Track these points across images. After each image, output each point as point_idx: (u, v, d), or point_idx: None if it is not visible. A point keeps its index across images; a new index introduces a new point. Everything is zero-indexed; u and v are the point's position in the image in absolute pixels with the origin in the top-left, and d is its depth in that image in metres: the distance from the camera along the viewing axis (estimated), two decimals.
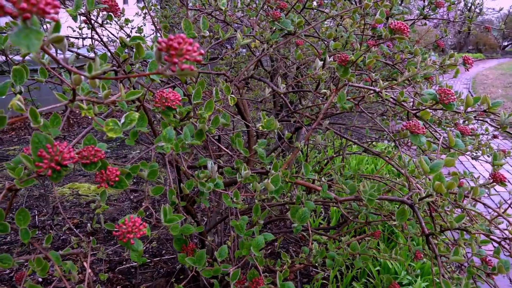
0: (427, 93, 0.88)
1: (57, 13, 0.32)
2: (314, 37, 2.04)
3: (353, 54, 1.65)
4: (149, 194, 0.77)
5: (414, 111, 1.02)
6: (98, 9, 0.93)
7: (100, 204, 0.81)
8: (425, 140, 0.82)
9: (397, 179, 2.46)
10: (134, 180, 4.02)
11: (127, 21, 2.12)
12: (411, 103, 1.72)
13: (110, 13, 0.96)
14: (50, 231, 3.04)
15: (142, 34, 2.46)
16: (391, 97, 1.04)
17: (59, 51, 0.62)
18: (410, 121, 0.82)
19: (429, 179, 0.85)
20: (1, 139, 5.92)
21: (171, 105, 0.72)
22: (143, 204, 0.82)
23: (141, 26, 2.77)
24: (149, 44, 1.07)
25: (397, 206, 1.95)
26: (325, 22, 2.59)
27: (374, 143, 3.70)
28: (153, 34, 2.78)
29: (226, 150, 1.05)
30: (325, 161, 2.34)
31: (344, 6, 2.27)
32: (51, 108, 0.51)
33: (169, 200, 0.84)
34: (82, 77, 0.49)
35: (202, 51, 0.38)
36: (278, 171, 0.96)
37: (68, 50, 2.00)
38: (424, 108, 0.96)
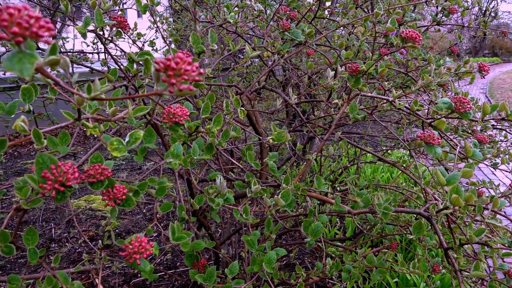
0: (441, 102, 0.85)
1: (52, 36, 0.31)
2: (325, 46, 2.03)
3: (364, 63, 1.63)
4: (157, 212, 0.76)
5: (428, 120, 0.99)
6: (108, 26, 0.93)
7: (111, 221, 0.80)
8: (441, 151, 0.79)
9: (414, 188, 2.41)
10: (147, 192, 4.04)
11: (139, 35, 2.14)
12: (426, 111, 1.69)
13: (119, 29, 0.96)
14: (66, 244, 3.06)
15: (155, 47, 2.48)
16: (405, 106, 1.02)
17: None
18: (425, 132, 0.80)
19: (446, 192, 0.82)
20: (19, 153, 6.03)
21: (178, 120, 0.71)
22: (156, 217, 0.81)
23: (154, 39, 2.80)
24: (161, 57, 1.07)
25: (414, 216, 1.90)
26: (337, 31, 2.57)
27: (389, 151, 3.64)
28: (166, 47, 2.81)
29: (236, 163, 1.04)
30: (340, 170, 2.31)
31: (356, 15, 2.25)
32: (57, 127, 0.51)
33: (179, 216, 0.83)
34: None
35: (202, 71, 0.37)
36: (290, 184, 0.94)
37: (82, 64, 2.02)
38: (439, 117, 0.93)
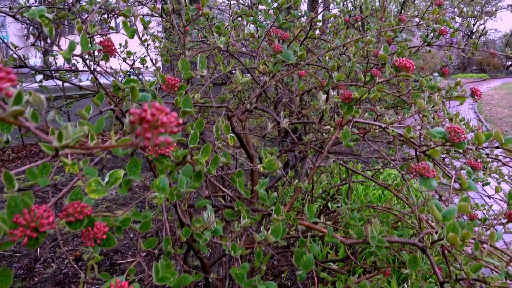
0: (435, 132, 0.83)
1: (14, 86, 0.28)
2: (317, 65, 2.02)
3: (356, 84, 1.62)
4: (141, 248, 0.72)
5: (423, 149, 0.97)
6: (94, 51, 0.90)
7: (94, 255, 0.76)
8: (436, 183, 0.76)
9: (406, 208, 2.38)
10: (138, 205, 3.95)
11: (129, 53, 2.11)
12: (418, 133, 1.67)
13: (106, 53, 0.93)
14: (52, 264, 2.97)
15: (145, 66, 2.45)
16: (398, 133, 1.00)
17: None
18: (420, 164, 0.77)
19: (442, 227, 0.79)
20: (6, 168, 5.92)
21: (164, 152, 0.68)
22: (140, 254, 0.77)
23: (145, 56, 2.78)
24: (150, 79, 1.04)
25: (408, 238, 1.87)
26: (328, 46, 2.57)
27: (381, 169, 3.62)
28: (157, 63, 2.78)
29: (226, 191, 1.00)
30: (332, 190, 2.29)
31: (347, 34, 2.26)
32: (32, 166, 0.47)
33: (165, 250, 0.79)
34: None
35: (180, 121, 0.35)
36: (281, 214, 0.91)
37: (70, 83, 1.98)
38: (433, 146, 0.91)
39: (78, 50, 0.90)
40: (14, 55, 2.02)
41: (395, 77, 0.83)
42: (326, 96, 1.22)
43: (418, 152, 1.17)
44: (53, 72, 2.17)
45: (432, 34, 1.87)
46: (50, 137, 0.37)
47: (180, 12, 1.29)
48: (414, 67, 0.81)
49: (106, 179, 0.49)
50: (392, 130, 0.96)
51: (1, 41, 2.27)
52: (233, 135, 0.98)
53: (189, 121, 1.19)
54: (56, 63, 2.89)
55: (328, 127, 1.08)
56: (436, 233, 1.07)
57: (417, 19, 1.78)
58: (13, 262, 3.00)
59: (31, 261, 3.02)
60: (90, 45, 0.84)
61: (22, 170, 0.64)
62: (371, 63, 2.10)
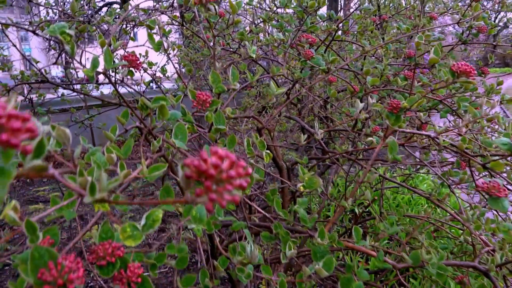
0: (500, 143, 0.74)
1: (34, 137, 0.21)
2: (349, 70, 1.93)
3: (392, 88, 1.52)
4: (178, 286, 0.65)
5: (478, 160, 0.88)
6: (118, 67, 0.84)
7: None
8: (508, 204, 0.67)
9: (445, 217, 2.26)
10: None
11: (150, 64, 2.07)
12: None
13: (131, 69, 0.87)
14: None
15: (166, 75, 2.41)
16: (451, 144, 0.90)
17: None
18: (489, 182, 0.68)
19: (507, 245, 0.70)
20: (32, 180, 5.98)
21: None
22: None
23: (165, 65, 2.74)
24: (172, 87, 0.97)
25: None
26: (355, 52, 2.47)
27: (412, 174, 3.48)
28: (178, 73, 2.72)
29: (262, 211, 0.93)
30: (366, 201, 2.18)
31: (376, 35, 2.16)
32: (56, 208, 0.41)
33: (202, 284, 0.72)
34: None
35: (250, 170, 0.27)
36: (325, 238, 0.82)
37: (91, 96, 1.94)
38: (494, 158, 0.81)
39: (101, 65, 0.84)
40: (36, 69, 1.99)
41: (453, 83, 0.74)
42: (363, 104, 1.13)
43: (467, 162, 1.07)
44: (74, 85, 2.14)
45: (468, 31, 1.75)
46: (80, 189, 0.30)
47: (202, 21, 1.23)
48: (475, 72, 0.72)
49: (143, 221, 0.42)
50: (444, 141, 0.87)
51: (23, 56, 2.25)
52: (268, 151, 0.90)
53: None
54: (77, 75, 2.87)
55: (371, 138, 0.99)
56: (493, 251, 0.97)
57: (456, 16, 1.67)
58: None
59: None
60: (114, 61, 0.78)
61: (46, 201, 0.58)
62: (403, 64, 2.00)
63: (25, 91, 2.33)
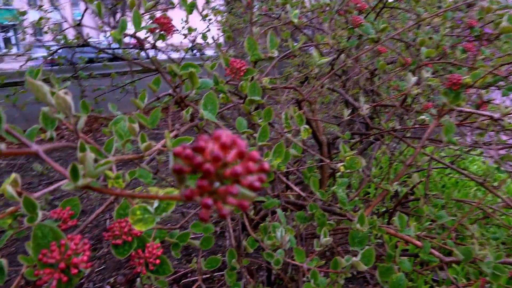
0: None
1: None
2: (396, 39, 1.78)
3: (449, 62, 1.38)
4: (201, 269, 0.61)
5: None
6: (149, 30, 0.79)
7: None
8: None
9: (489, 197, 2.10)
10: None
11: (190, 30, 2.01)
12: None
13: (162, 33, 0.81)
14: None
15: (206, 41, 2.34)
16: None
17: None
18: None
19: None
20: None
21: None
22: (201, 274, 0.66)
23: (206, 32, 2.67)
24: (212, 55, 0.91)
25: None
26: (406, 16, 2.29)
27: (462, 155, 3.28)
28: (218, 40, 2.66)
29: (298, 191, 0.87)
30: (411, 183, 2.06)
31: (433, 2, 1.98)
32: (47, 190, 0.36)
33: (228, 264, 0.68)
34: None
35: (266, 165, 0.20)
36: (365, 224, 0.75)
37: (131, 61, 1.92)
38: None
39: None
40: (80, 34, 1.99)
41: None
42: (416, 78, 1.02)
43: None
44: (115, 50, 2.13)
45: None
46: (68, 172, 0.25)
47: None
48: None
49: (156, 203, 0.38)
50: (510, 123, 0.76)
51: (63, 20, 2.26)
52: (307, 126, 0.83)
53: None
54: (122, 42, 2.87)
55: (423, 117, 0.90)
56: None
57: None
58: None
59: (100, 232, 3.12)
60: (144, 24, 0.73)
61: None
62: (461, 35, 1.82)
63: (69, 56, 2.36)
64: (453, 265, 2.37)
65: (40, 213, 0.38)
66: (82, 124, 0.34)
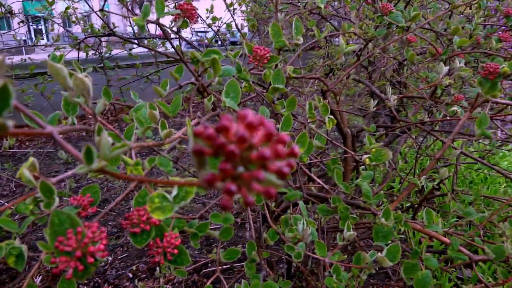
0: None
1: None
2: (426, 29, 1.72)
3: (484, 51, 1.32)
4: (220, 260, 0.60)
5: None
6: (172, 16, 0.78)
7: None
8: None
9: None
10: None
11: (214, 19, 1.99)
12: None
13: (186, 19, 0.80)
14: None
15: (231, 31, 2.33)
16: None
17: None
18: None
19: None
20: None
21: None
22: (219, 264, 0.65)
23: (230, 22, 2.65)
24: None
25: None
26: (437, 5, 2.21)
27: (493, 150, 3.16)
28: (243, 29, 2.63)
29: (321, 183, 0.84)
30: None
31: None
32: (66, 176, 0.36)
33: (248, 256, 0.67)
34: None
35: (296, 149, 0.18)
36: (390, 219, 0.72)
37: (156, 51, 1.92)
38: None
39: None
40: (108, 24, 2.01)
41: None
42: (447, 68, 0.98)
43: None
44: (140, 39, 2.14)
45: None
46: (81, 155, 0.24)
47: None
48: None
49: (174, 191, 0.36)
50: None
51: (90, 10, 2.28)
52: (331, 117, 0.80)
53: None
54: (147, 29, 2.88)
55: (455, 108, 0.85)
56: None
57: None
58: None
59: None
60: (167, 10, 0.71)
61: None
62: (495, 24, 1.73)
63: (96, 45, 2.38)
64: (479, 263, 2.30)
65: (57, 199, 0.37)
66: (101, 108, 0.32)
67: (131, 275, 2.52)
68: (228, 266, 2.47)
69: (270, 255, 1.69)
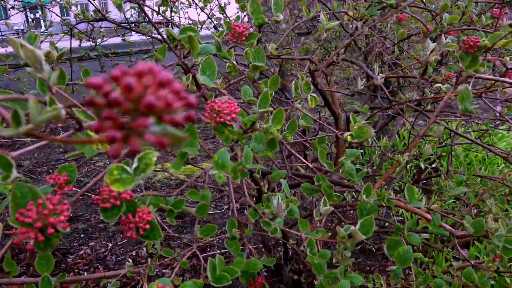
0: None
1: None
2: (420, 7, 1.69)
3: (475, 28, 1.30)
4: (197, 237, 0.60)
5: None
6: None
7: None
8: None
9: None
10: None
11: (206, 1, 1.97)
12: None
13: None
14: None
15: (224, 16, 2.30)
16: None
17: None
18: None
19: None
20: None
21: (224, 120, 0.54)
22: (196, 243, 0.66)
23: (224, 5, 2.62)
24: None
25: None
26: None
27: (489, 131, 3.15)
28: (237, 13, 2.60)
29: (305, 161, 0.84)
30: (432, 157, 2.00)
31: None
32: (56, 140, 0.36)
33: (229, 234, 0.67)
34: None
35: (192, 99, 0.18)
36: (372, 195, 0.73)
37: (150, 36, 1.91)
38: None
39: None
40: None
41: None
42: (434, 44, 0.97)
43: None
44: (133, 24, 2.12)
45: None
46: (11, 119, 0.24)
47: None
48: None
49: (135, 164, 0.36)
50: None
51: None
52: (314, 95, 0.80)
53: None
54: (143, 15, 2.85)
55: (439, 85, 0.85)
56: None
57: None
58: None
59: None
60: None
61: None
62: (491, 2, 1.71)
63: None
64: (476, 243, 2.31)
65: (14, 172, 0.37)
66: (55, 80, 0.32)
67: (131, 261, 2.54)
68: (227, 250, 2.48)
69: (267, 238, 1.70)
